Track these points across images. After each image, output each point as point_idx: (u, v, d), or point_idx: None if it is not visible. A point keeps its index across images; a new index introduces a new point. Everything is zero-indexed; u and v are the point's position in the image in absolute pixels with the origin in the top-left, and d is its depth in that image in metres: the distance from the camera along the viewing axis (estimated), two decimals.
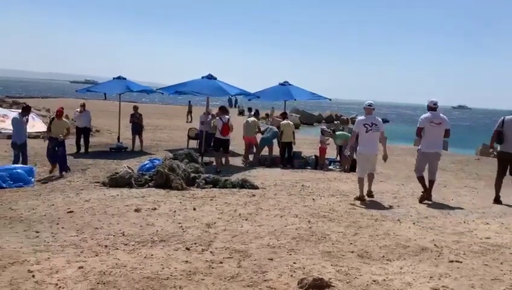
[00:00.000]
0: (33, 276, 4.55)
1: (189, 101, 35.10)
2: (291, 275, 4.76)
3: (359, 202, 8.64)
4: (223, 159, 12.85)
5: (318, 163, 13.84)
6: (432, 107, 8.89)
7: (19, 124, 11.51)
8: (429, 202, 8.77)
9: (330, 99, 17.43)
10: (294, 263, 5.17)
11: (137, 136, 16.38)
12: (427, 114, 8.88)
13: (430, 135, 8.81)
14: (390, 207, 8.41)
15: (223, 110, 13.29)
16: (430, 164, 9.00)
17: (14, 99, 28.24)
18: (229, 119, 12.86)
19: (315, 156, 14.28)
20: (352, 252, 5.68)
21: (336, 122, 30.86)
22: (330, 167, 13.66)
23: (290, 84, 15.77)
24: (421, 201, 8.82)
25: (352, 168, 12.37)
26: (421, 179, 9.00)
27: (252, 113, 19.97)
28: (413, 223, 7.24)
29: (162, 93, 16.52)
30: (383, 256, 5.55)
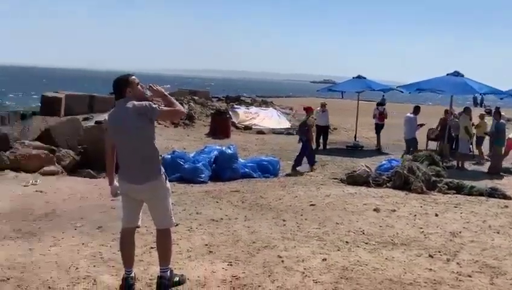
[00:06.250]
0: (282, 261, 4.96)
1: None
2: None
3: None
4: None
5: None
6: None
7: (411, 121, 13.38)
8: None
9: None
10: None
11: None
12: None
13: None
14: None
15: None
16: None
17: (263, 98, 31.43)
18: None
19: None
20: None
21: None
22: None
23: None
24: None
25: None
26: None
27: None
28: None
29: (402, 92, 16.03)
30: None
